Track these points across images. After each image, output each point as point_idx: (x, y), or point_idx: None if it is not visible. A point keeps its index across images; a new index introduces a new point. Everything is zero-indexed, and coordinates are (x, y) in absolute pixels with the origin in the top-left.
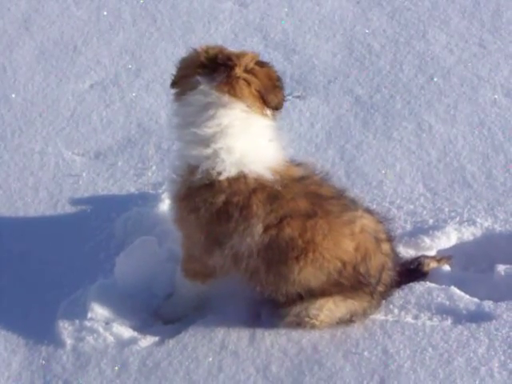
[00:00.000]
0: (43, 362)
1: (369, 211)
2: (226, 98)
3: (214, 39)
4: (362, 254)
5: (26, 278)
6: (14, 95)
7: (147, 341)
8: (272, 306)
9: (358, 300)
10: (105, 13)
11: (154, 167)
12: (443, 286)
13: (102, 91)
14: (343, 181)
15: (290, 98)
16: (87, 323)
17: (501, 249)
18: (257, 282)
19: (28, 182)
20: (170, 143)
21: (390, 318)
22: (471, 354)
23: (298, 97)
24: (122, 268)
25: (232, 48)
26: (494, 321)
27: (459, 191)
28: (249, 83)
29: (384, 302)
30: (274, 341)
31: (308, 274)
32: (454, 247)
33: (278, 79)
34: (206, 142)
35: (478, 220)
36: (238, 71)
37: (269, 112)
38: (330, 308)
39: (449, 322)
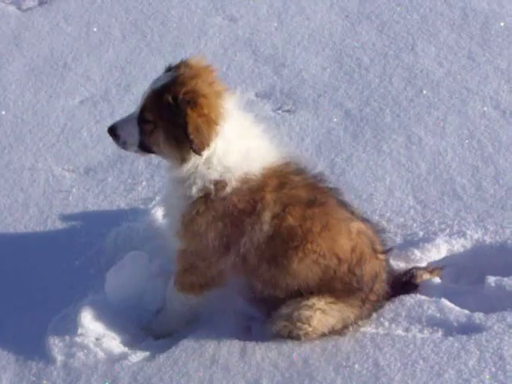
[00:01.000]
0: (34, 379)
1: (366, 220)
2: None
3: (203, 54)
4: (357, 256)
5: (16, 294)
6: (3, 112)
7: (138, 356)
8: (262, 321)
9: (348, 305)
10: (95, 29)
11: (144, 182)
12: (434, 298)
13: (92, 107)
14: None
15: (279, 112)
16: (77, 339)
17: (491, 260)
18: (259, 277)
19: (18, 198)
20: (159, 159)
21: (380, 330)
22: (462, 366)
23: (288, 111)
24: (113, 283)
25: (221, 63)
26: (484, 332)
27: (449, 203)
28: None
29: (375, 314)
30: (265, 354)
31: (306, 266)
32: (445, 259)
33: None
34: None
35: (468, 232)
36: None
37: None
38: (323, 309)
39: (439, 334)
